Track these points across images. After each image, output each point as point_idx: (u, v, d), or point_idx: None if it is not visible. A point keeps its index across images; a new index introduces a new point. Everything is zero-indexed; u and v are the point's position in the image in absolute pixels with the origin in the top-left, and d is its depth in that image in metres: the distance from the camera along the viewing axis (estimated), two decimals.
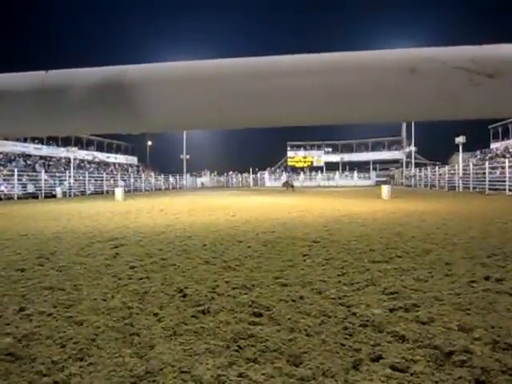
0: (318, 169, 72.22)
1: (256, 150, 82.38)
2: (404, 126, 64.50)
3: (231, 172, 70.47)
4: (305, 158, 75.81)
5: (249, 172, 68.04)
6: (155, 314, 3.26)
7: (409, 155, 60.42)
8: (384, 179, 54.01)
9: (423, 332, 2.74)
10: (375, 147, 72.44)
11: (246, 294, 3.81)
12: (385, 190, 21.35)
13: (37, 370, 2.30)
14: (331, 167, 72.22)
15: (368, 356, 2.41)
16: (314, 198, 22.99)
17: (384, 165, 69.43)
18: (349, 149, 74.51)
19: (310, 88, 0.52)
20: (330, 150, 75.63)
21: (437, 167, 41.23)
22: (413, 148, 59.53)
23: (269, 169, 72.67)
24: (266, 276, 4.48)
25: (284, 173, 64.40)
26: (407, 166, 59.85)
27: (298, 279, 4.32)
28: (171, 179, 56.60)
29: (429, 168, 43.79)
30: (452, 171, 36.27)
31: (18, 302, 3.67)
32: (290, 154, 76.52)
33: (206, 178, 68.71)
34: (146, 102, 0.56)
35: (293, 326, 2.91)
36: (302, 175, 67.18)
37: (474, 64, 0.48)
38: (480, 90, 0.49)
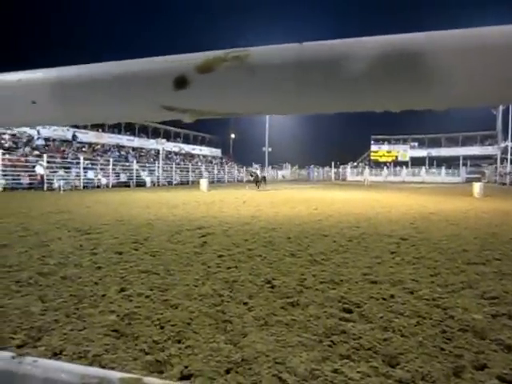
0: (403, 164, 69.23)
1: (338, 143, 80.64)
2: (500, 118, 59.59)
3: (312, 165, 69.84)
4: (389, 152, 72.87)
5: (330, 166, 67.11)
6: (245, 303, 3.32)
7: (504, 151, 55.78)
8: (475, 176, 50.40)
9: None
10: (466, 142, 67.72)
11: (334, 289, 3.76)
12: (477, 187, 20.03)
13: (140, 348, 2.45)
14: (417, 162, 68.76)
15: (471, 363, 2.26)
16: (399, 194, 22.13)
17: (475, 161, 64.71)
18: (436, 143, 70.41)
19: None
20: (417, 144, 71.99)
21: None
22: (509, 143, 54.82)
23: (351, 163, 71.05)
24: (354, 272, 4.39)
25: (366, 167, 62.57)
26: (502, 163, 55.39)
27: (388, 277, 4.18)
28: None
29: None
30: None
31: (119, 282, 3.93)
32: (373, 147, 73.98)
33: (287, 171, 68.83)
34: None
35: (386, 326, 2.82)
36: (385, 170, 64.94)
37: None
38: None
